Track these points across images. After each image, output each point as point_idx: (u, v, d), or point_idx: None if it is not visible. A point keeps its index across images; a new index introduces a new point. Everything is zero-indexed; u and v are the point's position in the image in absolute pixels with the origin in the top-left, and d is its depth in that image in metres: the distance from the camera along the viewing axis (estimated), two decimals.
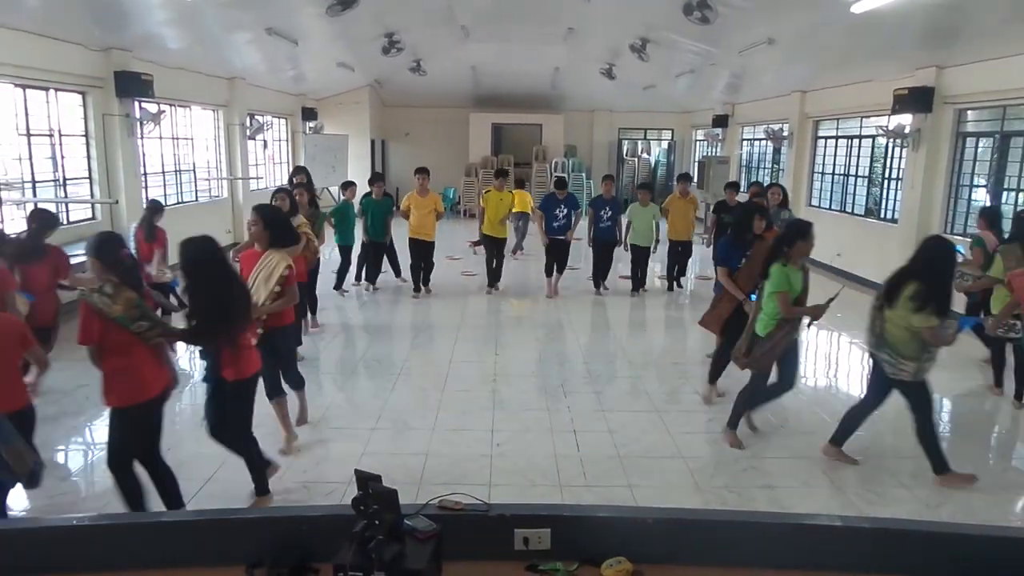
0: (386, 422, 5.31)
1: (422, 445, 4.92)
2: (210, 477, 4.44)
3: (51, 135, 8.51)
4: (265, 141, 14.76)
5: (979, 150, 8.94)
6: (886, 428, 5.50)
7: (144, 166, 10.22)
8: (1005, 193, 8.43)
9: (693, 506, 4.01)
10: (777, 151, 14.71)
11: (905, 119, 9.59)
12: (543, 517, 2.55)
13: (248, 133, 13.37)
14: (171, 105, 10.91)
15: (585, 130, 20.45)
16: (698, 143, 19.75)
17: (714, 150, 17.76)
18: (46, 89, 8.35)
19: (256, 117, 13.84)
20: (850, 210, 11.91)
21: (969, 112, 9.05)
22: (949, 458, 4.44)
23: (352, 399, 5.96)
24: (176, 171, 11.45)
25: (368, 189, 9.34)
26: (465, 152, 19.54)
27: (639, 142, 21.35)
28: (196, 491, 4.25)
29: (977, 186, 8.96)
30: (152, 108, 9.62)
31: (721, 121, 16.74)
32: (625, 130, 20.89)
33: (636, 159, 21.22)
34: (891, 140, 10.25)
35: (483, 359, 6.94)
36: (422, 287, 9.52)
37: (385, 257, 9.75)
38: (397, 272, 10.12)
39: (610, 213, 9.18)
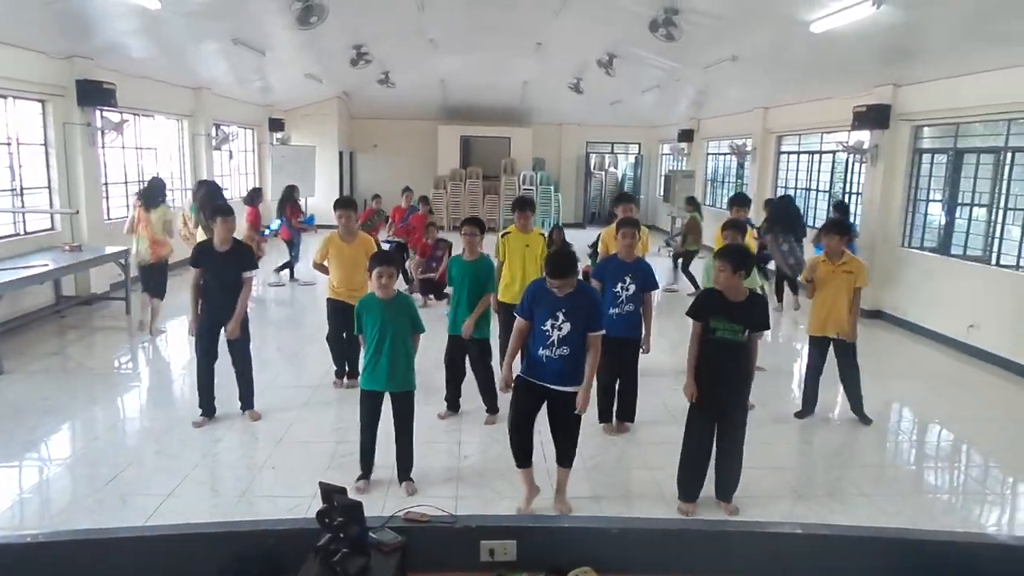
0: (354, 435, 5.26)
1: (390, 457, 4.89)
2: (170, 492, 4.36)
3: (8, 144, 8.33)
4: (231, 152, 14.59)
5: (934, 166, 9.20)
6: (848, 438, 5.63)
7: (106, 176, 10.05)
8: (959, 208, 8.69)
9: (659, 516, 4.04)
10: (741, 166, 14.97)
11: (864, 135, 9.84)
12: (509, 528, 2.57)
13: (214, 144, 13.22)
14: (134, 114, 10.75)
15: (553, 143, 20.60)
16: (664, 157, 20.02)
17: (680, 164, 18.02)
18: (4, 97, 8.17)
19: (222, 127, 13.69)
20: (812, 224, 12.14)
21: (925, 129, 9.32)
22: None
23: (317, 412, 5.88)
24: (140, 181, 11.24)
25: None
26: (434, 164, 19.55)
27: (607, 156, 21.56)
28: (156, 506, 4.17)
29: (933, 200, 9.22)
30: (115, 117, 9.46)
31: (686, 136, 17.01)
32: (593, 143, 21.08)
33: (604, 172, 21.42)
34: (851, 156, 10.50)
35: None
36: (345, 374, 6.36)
37: None
38: None
39: (631, 288, 5.28)
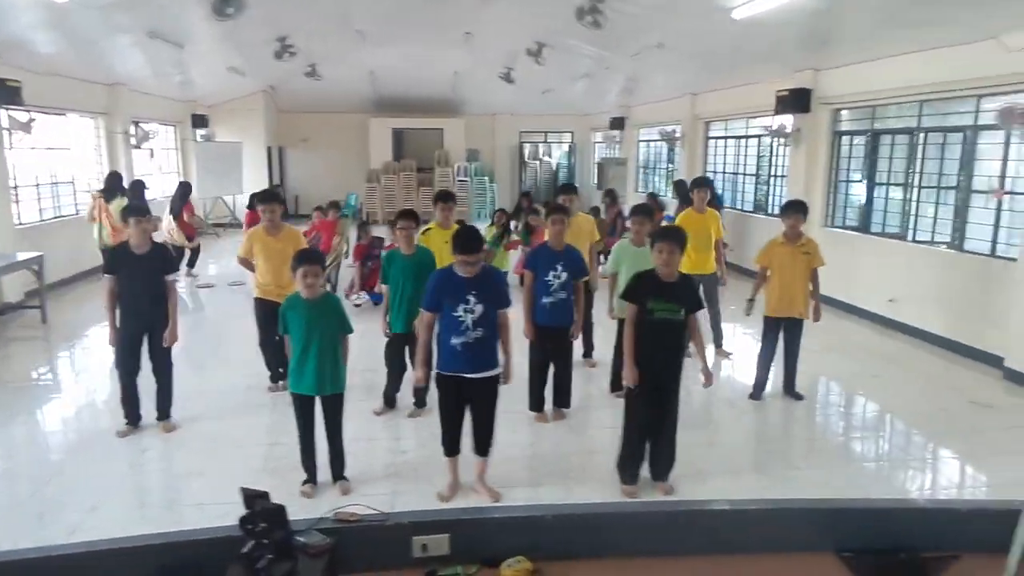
0: (288, 437, 5.13)
1: (325, 457, 4.79)
2: (94, 507, 4.16)
3: None
4: (152, 150, 14.04)
5: (853, 147, 9.53)
6: (780, 414, 5.80)
7: (14, 178, 9.53)
8: (876, 187, 9.02)
9: (599, 500, 4.06)
10: (671, 151, 15.21)
11: (787, 119, 10.11)
12: (441, 523, 2.54)
13: (133, 142, 12.68)
14: (44, 113, 10.21)
15: (487, 134, 20.53)
16: (597, 145, 20.19)
17: (612, 152, 18.20)
18: None
19: (141, 125, 13.16)
20: (739, 207, 12.46)
21: (843, 112, 9.63)
22: None
23: (249, 416, 5.71)
24: (53, 183, 10.72)
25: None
26: (367, 158, 19.25)
27: (540, 145, 21.63)
28: (78, 523, 3.97)
29: (853, 181, 9.54)
30: (21, 116, 8.97)
31: (618, 123, 17.17)
32: (526, 133, 21.10)
33: (538, 162, 21.48)
34: (774, 139, 10.79)
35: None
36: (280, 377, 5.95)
37: None
38: None
39: (563, 275, 5.27)
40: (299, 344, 4.15)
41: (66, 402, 6.15)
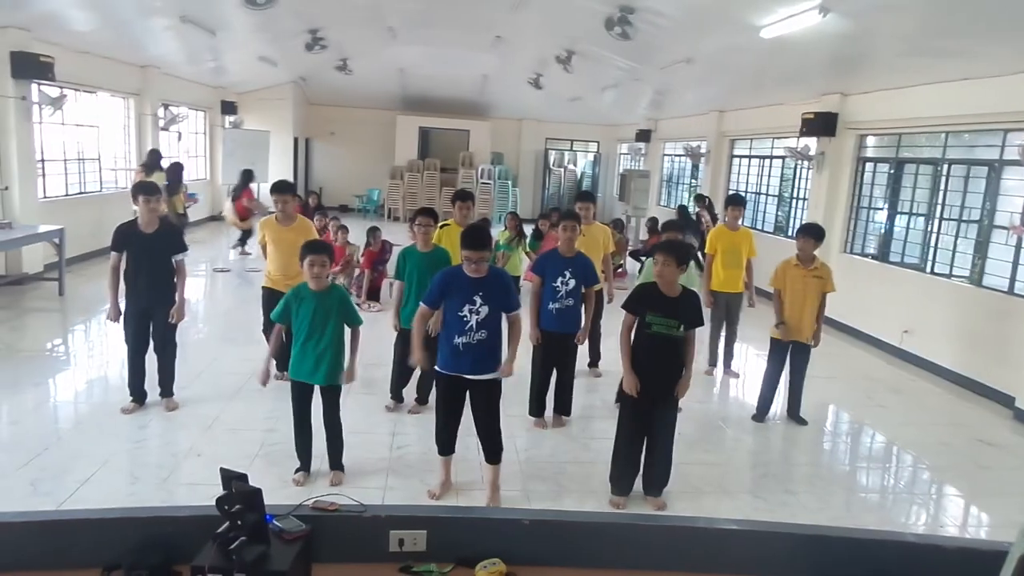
0: (286, 424, 5.16)
1: (319, 445, 4.82)
2: (87, 479, 4.21)
3: None
4: (180, 133, 14.22)
5: (877, 175, 9.43)
6: (781, 438, 5.74)
7: (42, 153, 9.69)
8: (898, 216, 8.91)
9: (589, 510, 4.05)
10: (695, 167, 15.15)
11: (811, 142, 10.03)
12: (419, 519, 2.53)
13: (161, 124, 12.86)
14: (75, 90, 10.38)
15: (512, 138, 20.58)
16: (622, 156, 20.15)
17: (637, 164, 18.16)
18: None
19: (171, 108, 13.33)
20: (760, 227, 12.37)
21: (869, 138, 9.54)
22: None
23: (250, 401, 5.74)
24: (79, 159, 10.89)
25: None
26: (391, 154, 19.36)
27: (565, 153, 21.64)
28: (70, 493, 4.02)
29: (875, 208, 9.44)
30: (52, 92, 9.13)
31: (644, 136, 17.15)
32: (552, 140, 21.12)
33: (563, 169, 21.48)
34: (798, 161, 10.71)
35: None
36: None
37: None
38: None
39: (571, 282, 5.27)
40: (303, 333, 4.17)
41: (76, 375, 6.24)
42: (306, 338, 4.17)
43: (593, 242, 6.10)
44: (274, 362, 6.10)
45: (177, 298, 5.18)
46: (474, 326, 3.85)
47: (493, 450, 4.11)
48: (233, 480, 2.18)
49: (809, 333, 5.69)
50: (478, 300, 3.84)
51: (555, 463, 4.89)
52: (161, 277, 5.12)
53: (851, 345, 8.83)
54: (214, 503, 2.22)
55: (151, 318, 5.19)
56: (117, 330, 5.39)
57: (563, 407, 5.54)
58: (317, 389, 4.32)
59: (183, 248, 5.28)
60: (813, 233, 5.73)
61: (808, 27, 6.93)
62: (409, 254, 5.34)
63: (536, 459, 4.92)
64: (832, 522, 4.21)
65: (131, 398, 5.28)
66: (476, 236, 3.84)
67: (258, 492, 2.15)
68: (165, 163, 11.12)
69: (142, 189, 5.09)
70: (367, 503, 2.56)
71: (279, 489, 4.16)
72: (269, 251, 5.76)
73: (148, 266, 5.06)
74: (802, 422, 5.88)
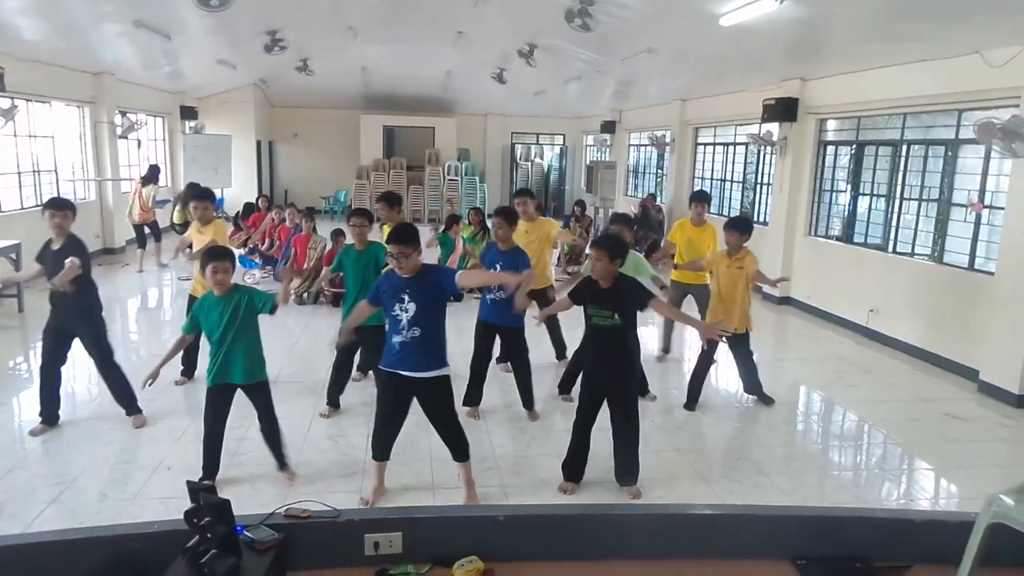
0: (255, 431, 5.09)
1: (302, 453, 4.78)
2: (54, 499, 4.12)
3: None
4: (139, 140, 13.94)
5: (838, 157, 9.57)
6: (753, 421, 5.80)
7: None
8: (860, 198, 9.06)
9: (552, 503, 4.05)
10: (661, 157, 15.24)
11: (773, 128, 10.15)
12: (394, 520, 2.51)
13: (119, 132, 12.59)
14: (27, 100, 10.12)
15: (478, 134, 20.52)
16: (588, 148, 20.21)
17: (603, 155, 18.21)
18: None
19: (128, 115, 13.06)
20: (727, 214, 12.48)
21: (829, 122, 9.67)
22: None
23: None
24: (35, 171, 10.63)
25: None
26: (356, 154, 19.20)
27: (532, 147, 21.63)
28: (37, 514, 3.93)
29: (837, 191, 9.58)
30: (3, 103, 8.88)
31: (609, 127, 17.20)
32: (518, 134, 21.11)
33: (530, 163, 21.48)
34: (761, 147, 10.82)
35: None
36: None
37: None
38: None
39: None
40: (216, 338, 4.15)
41: (38, 393, 6.07)
42: (219, 343, 4.14)
43: (543, 237, 6.36)
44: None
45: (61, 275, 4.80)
46: (405, 325, 3.85)
47: (458, 447, 4.12)
48: (201, 492, 2.14)
49: (741, 323, 5.73)
50: (405, 298, 3.85)
51: (529, 457, 4.89)
52: (76, 295, 4.87)
53: (819, 326, 8.96)
54: (183, 517, 2.18)
55: (70, 337, 5.06)
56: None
57: (526, 401, 5.58)
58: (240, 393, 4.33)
59: (77, 253, 4.88)
60: (738, 227, 5.81)
61: (766, 14, 6.98)
62: (347, 253, 5.54)
63: (509, 455, 4.91)
64: (805, 502, 4.27)
65: (40, 419, 5.08)
66: (399, 231, 3.85)
67: (226, 503, 2.12)
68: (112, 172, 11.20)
69: (50, 204, 4.90)
70: (341, 508, 2.54)
71: (251, 498, 4.12)
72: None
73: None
74: (768, 400, 5.95)
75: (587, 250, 5.31)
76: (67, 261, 4.77)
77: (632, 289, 4.20)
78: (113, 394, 5.25)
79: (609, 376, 4.21)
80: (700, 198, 7.20)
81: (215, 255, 4.13)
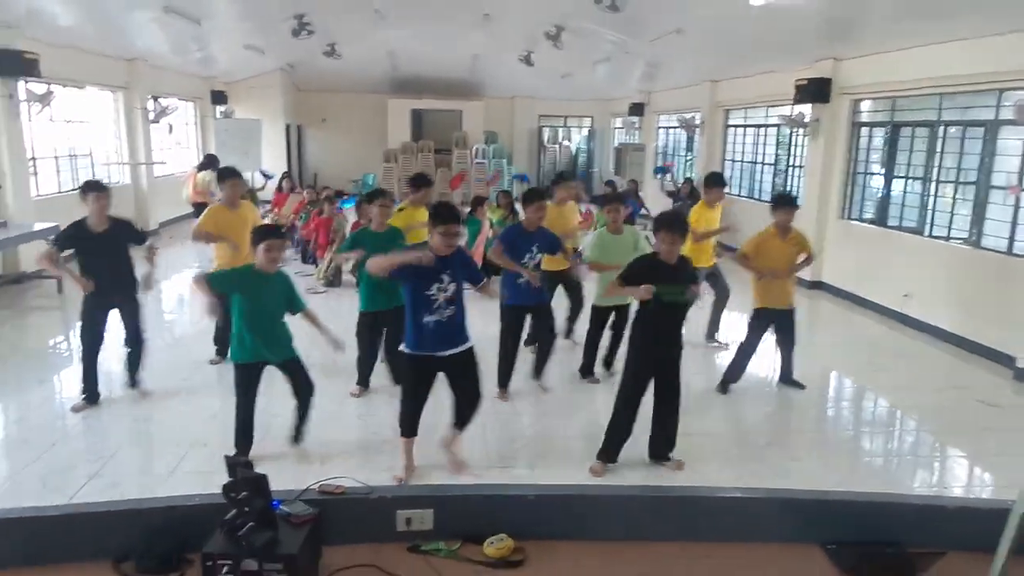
0: (289, 408, 5.17)
1: (320, 432, 4.85)
2: (95, 473, 4.24)
3: None
4: (171, 125, 14.13)
5: (872, 139, 9.38)
6: (784, 405, 5.76)
7: (33, 150, 9.64)
8: (895, 180, 8.88)
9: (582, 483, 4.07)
10: (690, 139, 15.07)
11: (806, 109, 9.97)
12: (426, 498, 2.55)
13: (151, 117, 12.77)
14: (63, 86, 10.29)
15: (506, 116, 20.44)
16: (616, 131, 20.04)
17: (632, 138, 18.06)
18: None
19: (160, 100, 13.23)
20: (758, 196, 12.33)
21: (863, 102, 9.48)
22: None
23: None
24: (71, 156, 10.83)
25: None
26: (384, 138, 19.26)
27: (560, 129, 21.51)
28: (79, 487, 4.05)
29: (871, 173, 9.41)
30: (39, 89, 9.05)
31: (637, 109, 17.03)
32: (546, 117, 20.99)
33: (557, 146, 21.36)
34: (793, 129, 10.65)
35: None
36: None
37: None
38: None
39: (537, 257, 5.47)
40: (244, 314, 4.19)
41: (79, 371, 6.22)
42: (257, 319, 4.19)
43: (564, 224, 6.28)
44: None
45: (147, 271, 5.18)
46: (442, 304, 3.87)
47: (470, 417, 4.21)
48: (239, 467, 2.19)
49: (791, 299, 5.69)
50: (445, 278, 3.86)
51: (560, 437, 4.92)
52: (117, 274, 5.06)
53: (852, 311, 8.84)
54: (221, 491, 2.24)
55: (109, 311, 5.21)
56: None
57: (537, 373, 5.69)
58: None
59: (139, 240, 5.24)
60: (791, 203, 5.80)
61: None
62: (364, 235, 5.45)
63: (540, 435, 4.94)
64: (836, 487, 4.23)
65: (83, 396, 5.22)
66: (449, 209, 3.89)
67: (263, 477, 2.17)
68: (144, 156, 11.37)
69: (90, 187, 4.99)
70: (373, 484, 2.59)
71: (284, 473, 4.19)
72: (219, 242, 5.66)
73: (103, 264, 4.99)
74: (799, 386, 5.89)
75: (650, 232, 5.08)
76: (147, 245, 5.15)
77: (689, 264, 4.41)
78: (128, 363, 5.43)
79: (674, 348, 4.31)
80: (714, 182, 7.02)
81: (274, 233, 4.22)
